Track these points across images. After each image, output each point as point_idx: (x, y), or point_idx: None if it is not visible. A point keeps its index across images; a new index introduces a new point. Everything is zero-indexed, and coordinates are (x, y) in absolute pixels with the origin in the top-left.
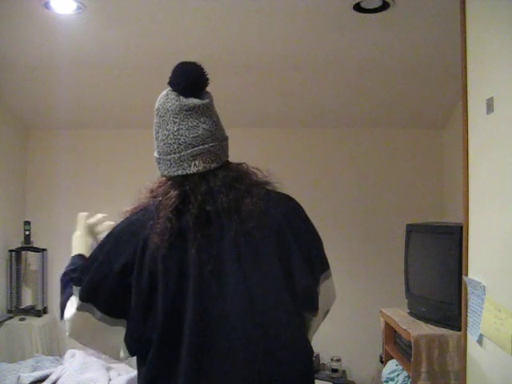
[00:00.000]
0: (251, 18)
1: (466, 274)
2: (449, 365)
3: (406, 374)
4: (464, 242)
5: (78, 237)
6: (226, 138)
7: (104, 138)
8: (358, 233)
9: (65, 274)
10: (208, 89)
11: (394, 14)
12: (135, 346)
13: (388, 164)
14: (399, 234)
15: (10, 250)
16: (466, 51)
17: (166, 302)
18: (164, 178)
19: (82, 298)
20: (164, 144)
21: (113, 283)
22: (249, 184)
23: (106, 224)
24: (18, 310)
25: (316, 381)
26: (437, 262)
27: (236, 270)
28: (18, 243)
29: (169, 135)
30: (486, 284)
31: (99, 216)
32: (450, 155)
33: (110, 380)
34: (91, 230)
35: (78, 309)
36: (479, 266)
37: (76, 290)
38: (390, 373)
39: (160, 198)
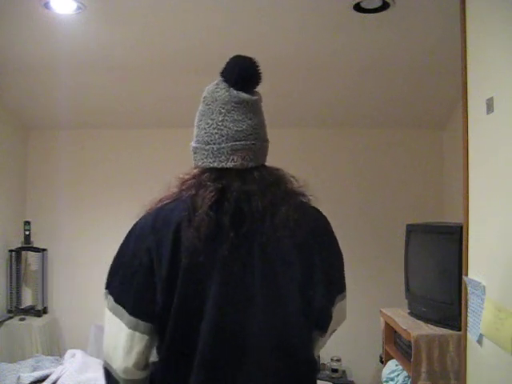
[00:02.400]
0: (251, 17)
1: (466, 274)
2: (449, 365)
3: (406, 374)
4: (464, 242)
5: None
6: (267, 140)
7: (104, 138)
8: (358, 233)
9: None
10: None
11: (394, 13)
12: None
13: (388, 164)
14: (399, 234)
15: (10, 250)
16: (466, 51)
17: (185, 298)
18: (197, 170)
19: (114, 298)
20: (205, 133)
21: (141, 277)
22: (285, 191)
23: None
24: (17, 309)
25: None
26: (437, 262)
27: (260, 275)
28: (18, 243)
29: (212, 124)
30: (485, 284)
31: None
32: (450, 155)
33: None
34: None
35: (111, 309)
36: (479, 266)
37: (107, 294)
38: (390, 373)
39: (193, 192)
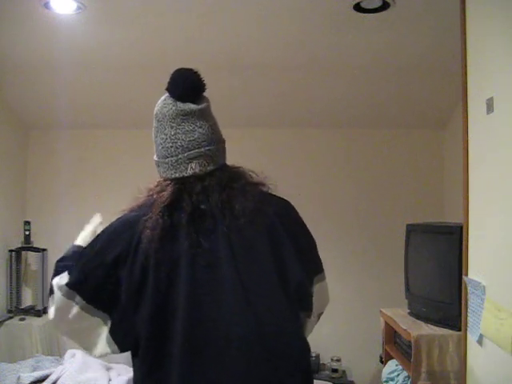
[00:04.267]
0: (250, 17)
1: (466, 274)
2: (449, 365)
3: (406, 374)
4: (464, 242)
5: (88, 231)
6: (222, 141)
7: (104, 138)
8: (358, 233)
9: (59, 260)
10: (209, 88)
11: (394, 13)
12: (124, 341)
13: (388, 164)
14: (399, 234)
15: (10, 250)
16: (465, 51)
17: (155, 296)
18: (162, 179)
19: (68, 285)
20: (162, 148)
21: (102, 274)
22: (243, 184)
23: None
24: (17, 309)
25: (316, 381)
26: (437, 262)
27: (230, 266)
28: (18, 243)
29: (166, 139)
30: (485, 284)
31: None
32: (450, 155)
33: (109, 380)
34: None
35: (64, 295)
36: (479, 265)
37: (66, 277)
38: (389, 373)
39: (155, 196)
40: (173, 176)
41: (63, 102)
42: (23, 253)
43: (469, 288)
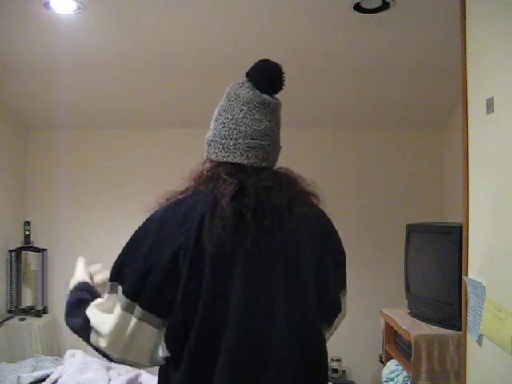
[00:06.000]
0: (251, 18)
1: (466, 274)
2: (449, 365)
3: (406, 374)
4: (464, 242)
5: (80, 274)
6: (279, 147)
7: (104, 138)
8: (358, 233)
9: (67, 312)
10: (207, 89)
11: (394, 13)
12: (175, 343)
13: (388, 164)
14: (399, 234)
15: (10, 250)
16: (466, 51)
17: (210, 290)
18: (211, 164)
19: (126, 295)
20: (223, 127)
21: (161, 273)
22: (299, 191)
23: (103, 274)
24: (17, 310)
25: None
26: (437, 262)
27: (283, 270)
28: (17, 243)
29: (232, 120)
30: (485, 284)
31: (98, 266)
32: (450, 155)
33: (109, 380)
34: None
35: (125, 309)
36: (479, 265)
37: (118, 286)
38: (389, 373)
39: (212, 185)
40: (225, 159)
41: (63, 102)
42: (23, 253)
43: (469, 288)
